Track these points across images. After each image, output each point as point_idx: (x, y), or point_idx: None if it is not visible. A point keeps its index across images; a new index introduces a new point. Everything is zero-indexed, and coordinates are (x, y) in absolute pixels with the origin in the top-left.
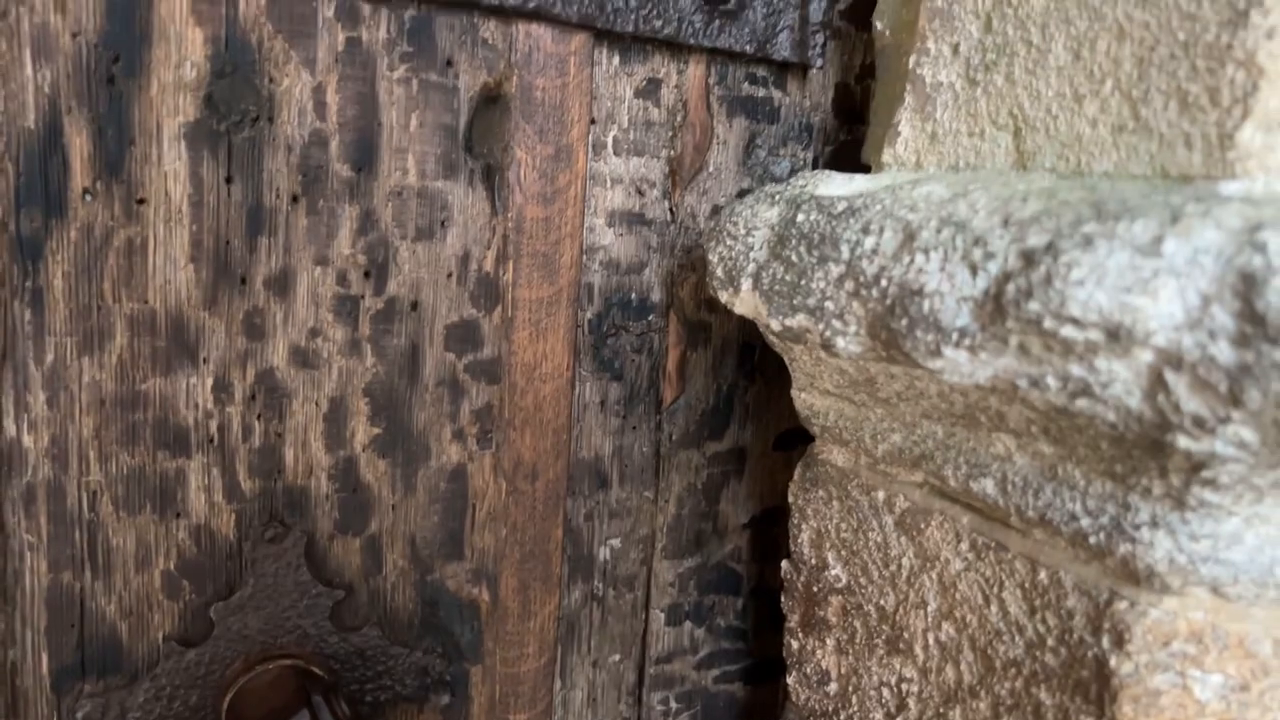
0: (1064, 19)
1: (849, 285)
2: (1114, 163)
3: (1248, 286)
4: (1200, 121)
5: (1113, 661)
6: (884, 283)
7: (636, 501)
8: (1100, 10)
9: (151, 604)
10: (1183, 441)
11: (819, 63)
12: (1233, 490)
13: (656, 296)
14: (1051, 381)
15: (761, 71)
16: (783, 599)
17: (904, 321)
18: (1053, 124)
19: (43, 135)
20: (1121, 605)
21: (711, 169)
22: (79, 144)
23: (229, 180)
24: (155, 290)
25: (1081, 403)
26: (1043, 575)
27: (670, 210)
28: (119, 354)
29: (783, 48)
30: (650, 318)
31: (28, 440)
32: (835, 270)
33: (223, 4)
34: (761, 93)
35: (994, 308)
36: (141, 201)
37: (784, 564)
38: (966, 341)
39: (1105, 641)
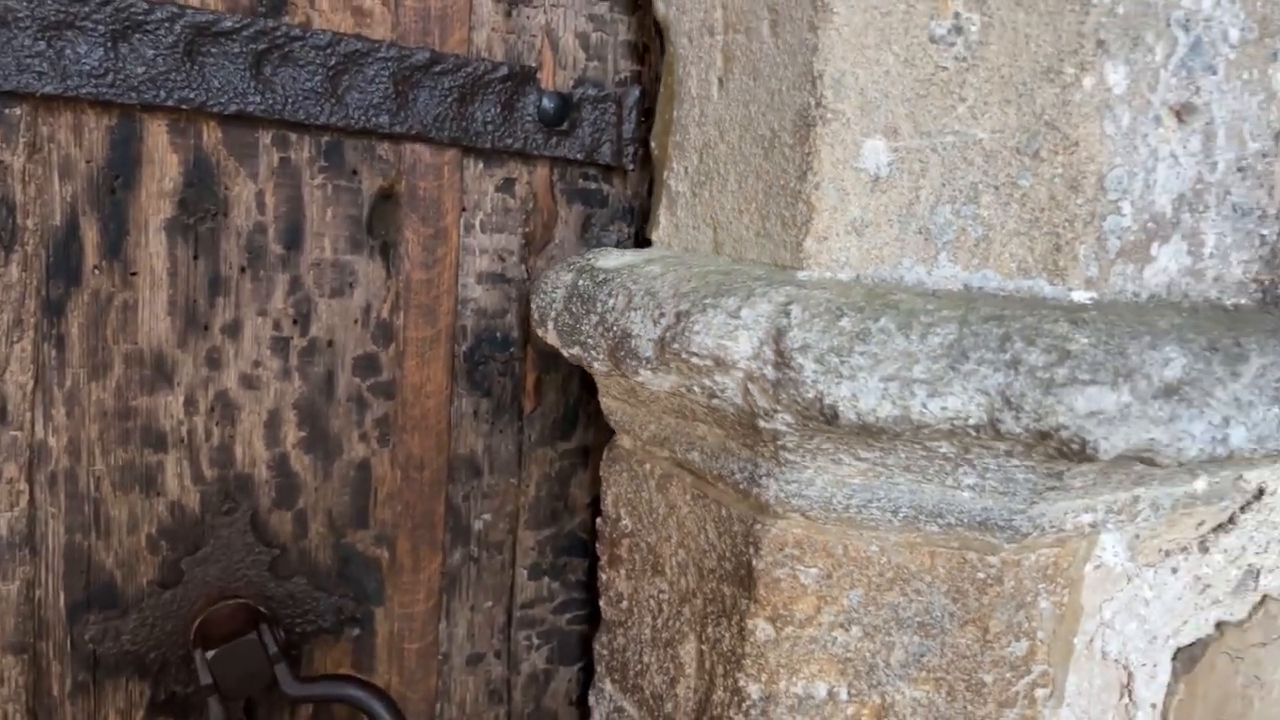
0: (735, 162)
1: (600, 328)
2: (756, 254)
3: (778, 335)
4: (789, 234)
5: (754, 562)
6: (615, 328)
7: (504, 486)
8: (750, 160)
9: (139, 558)
10: (762, 423)
11: (631, 166)
12: (798, 452)
13: (516, 334)
14: (696, 390)
15: (592, 171)
16: (597, 546)
17: (622, 353)
18: (730, 227)
19: (65, 229)
20: (757, 527)
21: (558, 240)
22: (91, 235)
23: (195, 257)
24: (143, 335)
25: (715, 401)
26: (724, 510)
27: (527, 271)
28: (117, 380)
29: (605, 156)
30: (512, 349)
31: (51, 441)
32: (594, 319)
33: (191, 137)
34: (593, 186)
35: (662, 345)
36: (133, 274)
37: (597, 520)
38: (650, 365)
39: (750, 549)
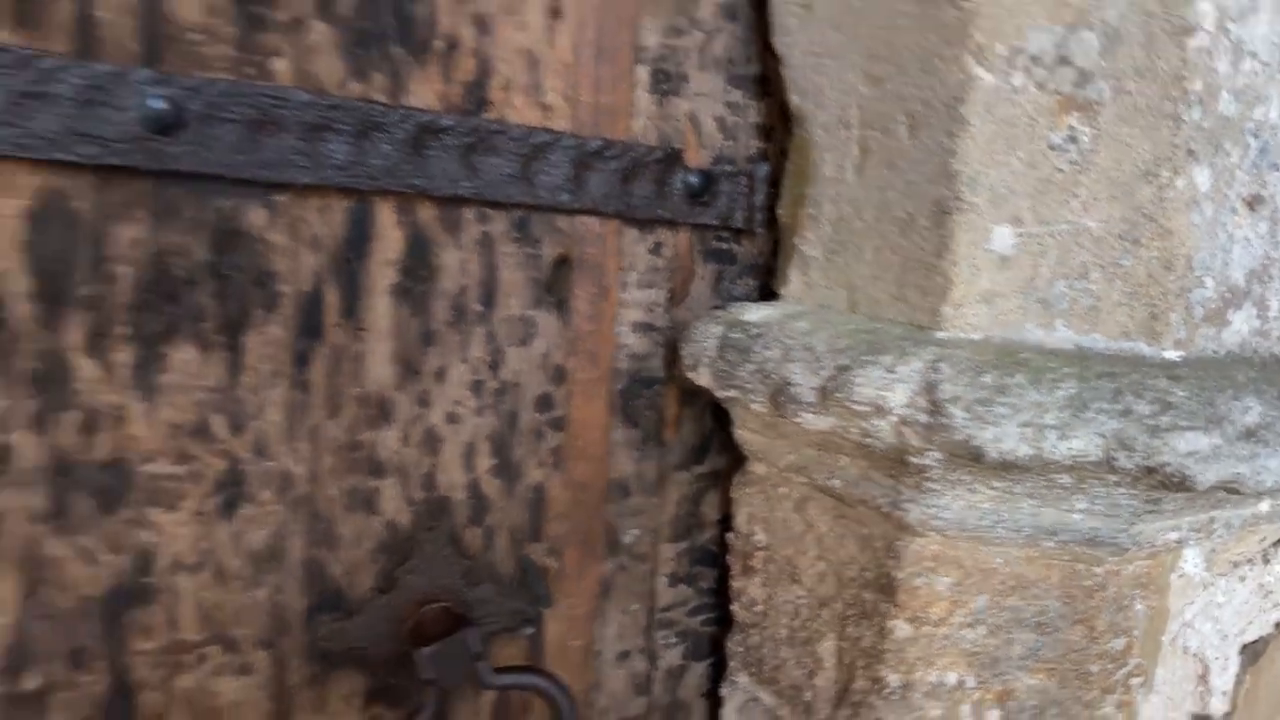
0: (870, 236)
1: (758, 376)
2: (892, 315)
3: (930, 388)
4: (927, 300)
5: (895, 572)
6: (774, 376)
7: (648, 505)
8: (887, 236)
9: (361, 568)
10: (912, 459)
11: (760, 230)
12: (940, 482)
13: (661, 374)
14: (853, 430)
15: (725, 234)
16: (728, 558)
17: (783, 398)
18: (865, 289)
19: (312, 294)
20: (899, 543)
21: (694, 294)
22: (331, 298)
23: (412, 315)
24: (370, 380)
25: (869, 440)
26: (865, 529)
27: (670, 320)
28: (348, 419)
29: (737, 221)
30: (656, 387)
31: (297, 470)
32: (750, 367)
33: (412, 215)
34: (725, 246)
35: (824, 393)
36: (363, 330)
37: (727, 535)
38: (812, 409)
39: (891, 562)
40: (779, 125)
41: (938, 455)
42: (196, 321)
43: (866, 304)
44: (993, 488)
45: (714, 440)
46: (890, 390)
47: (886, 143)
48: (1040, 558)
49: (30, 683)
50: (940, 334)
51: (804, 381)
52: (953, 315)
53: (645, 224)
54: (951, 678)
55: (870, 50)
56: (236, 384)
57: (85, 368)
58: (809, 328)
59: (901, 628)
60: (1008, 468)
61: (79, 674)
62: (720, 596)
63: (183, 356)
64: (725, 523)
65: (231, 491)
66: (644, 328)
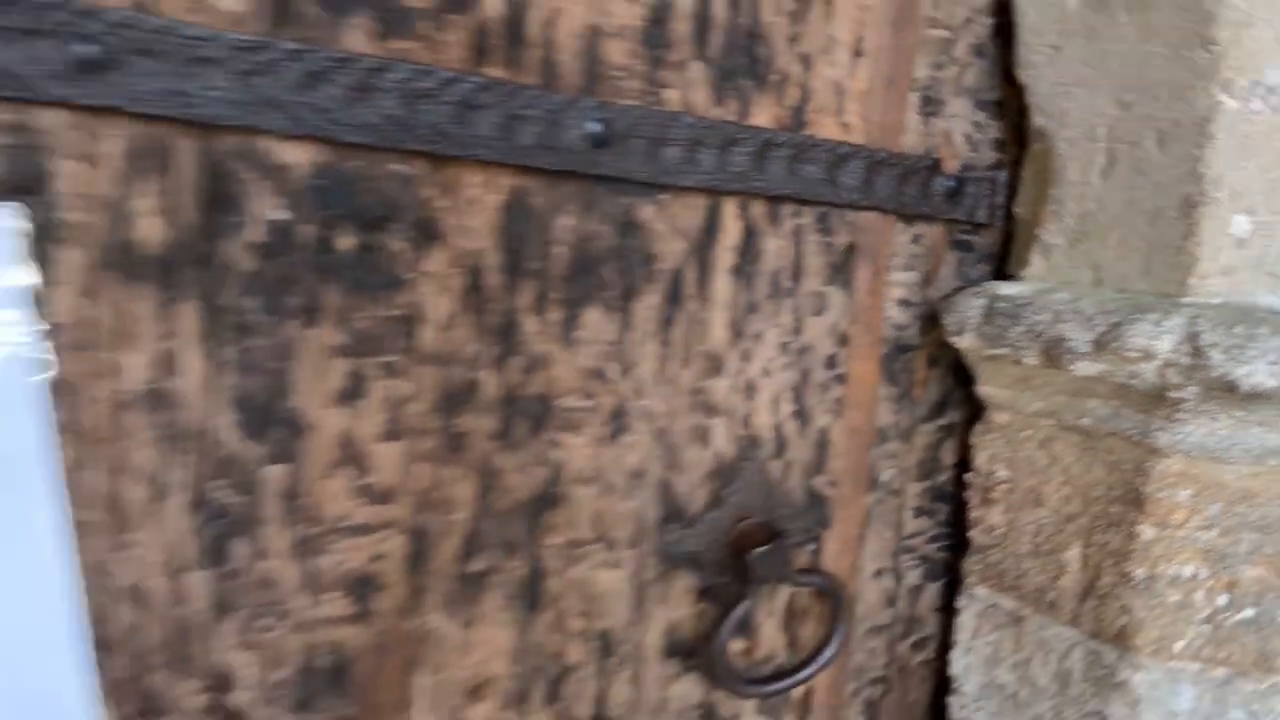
0: (1115, 226)
1: (1029, 335)
2: (1140, 288)
3: (1193, 337)
4: (1174, 274)
5: (1142, 488)
6: (1046, 334)
7: (900, 450)
8: (1134, 225)
9: (697, 489)
10: (1172, 394)
11: (998, 223)
12: (1190, 413)
13: (915, 342)
14: (1119, 374)
15: (968, 227)
16: (968, 494)
17: (1058, 351)
18: (1110, 268)
19: (677, 270)
20: (1147, 464)
21: (941, 277)
22: (690, 275)
23: (741, 291)
24: (711, 340)
25: (1133, 381)
26: (1113, 456)
27: (922, 298)
28: (695, 370)
29: (980, 217)
30: (909, 353)
31: (659, 407)
32: (1020, 328)
33: (748, 210)
34: (967, 238)
35: (1098, 345)
36: (709, 300)
37: (967, 475)
38: (1087, 358)
39: (1139, 479)
40: (1011, 140)
41: (1195, 390)
42: (603, 290)
43: (1112, 280)
44: (1232, 416)
45: (953, 398)
46: (1158, 339)
47: (1134, 153)
48: (1265, 473)
49: (477, 565)
50: (1186, 300)
51: (1079, 336)
52: (1197, 285)
53: (910, 219)
54: (1188, 570)
55: (1120, 81)
56: (625, 339)
57: (529, 323)
58: (1070, 297)
59: (1147, 531)
60: (1253, 398)
61: (509, 560)
62: (953, 528)
63: (592, 317)
64: (959, 466)
65: (618, 423)
66: (904, 303)
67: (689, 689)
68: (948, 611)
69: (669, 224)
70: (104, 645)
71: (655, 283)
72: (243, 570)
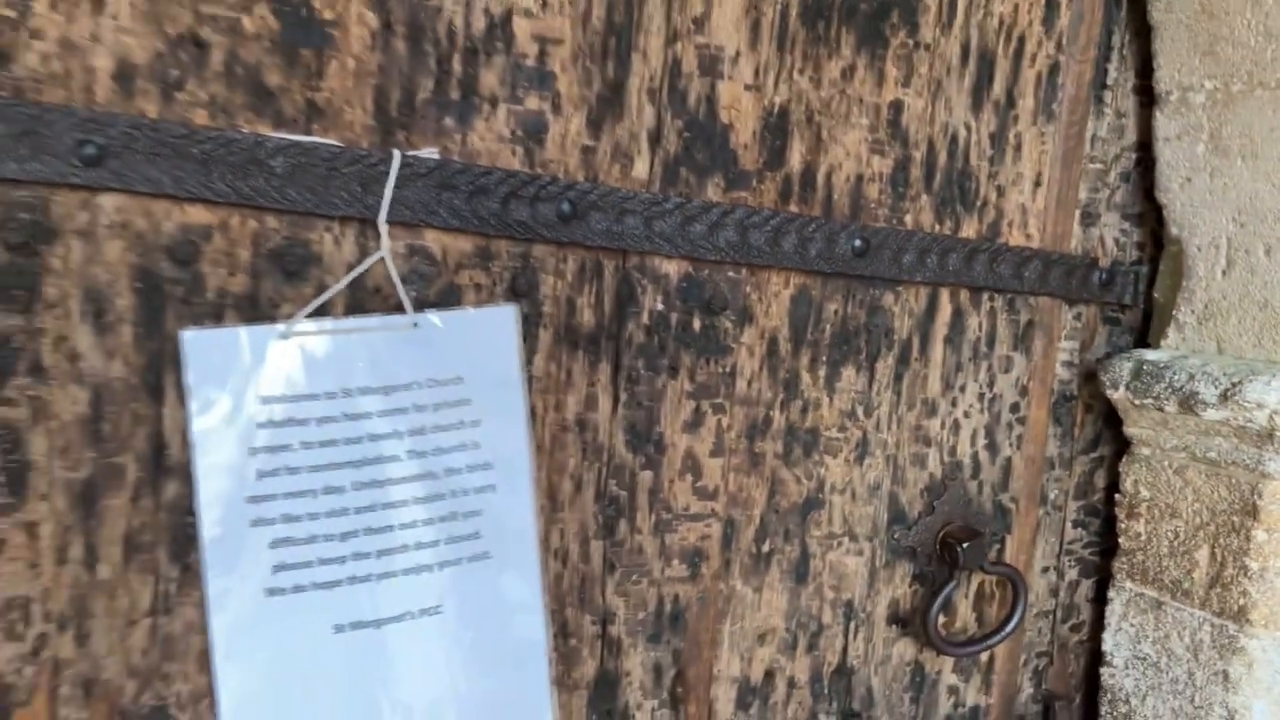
0: (1234, 309)
1: (1169, 389)
2: (1253, 355)
3: None
4: (1279, 346)
5: (1257, 501)
6: (1183, 389)
7: (1062, 475)
8: (1247, 310)
9: (916, 499)
10: (1278, 433)
11: (1139, 305)
12: None
13: (1074, 392)
14: (1237, 419)
15: (1115, 307)
16: (1115, 509)
17: (1192, 402)
18: (1230, 341)
19: (905, 340)
20: (1261, 484)
21: (1095, 345)
22: (914, 343)
23: (953, 354)
24: (929, 391)
25: (1249, 424)
26: (1234, 479)
27: (1080, 360)
28: (916, 412)
29: (1126, 299)
30: (1072, 401)
31: (889, 439)
32: (1162, 384)
33: (957, 298)
34: (1115, 315)
35: (1224, 396)
36: (927, 361)
37: (1116, 495)
38: (1214, 408)
39: (1255, 496)
40: (1149, 242)
41: None
42: (857, 354)
43: (1232, 350)
44: None
45: (1104, 436)
46: (1268, 394)
47: (1248, 259)
48: None
49: (766, 547)
50: None
51: (1208, 391)
52: None
53: (1074, 301)
54: None
55: (1237, 207)
56: (870, 390)
57: (806, 377)
58: (1200, 362)
59: (1260, 534)
60: None
61: (787, 545)
62: (1101, 538)
63: (848, 373)
64: (1108, 489)
65: (862, 449)
66: (1067, 364)
67: (905, 648)
68: (1098, 602)
69: (903, 307)
70: (544, 588)
71: (892, 349)
72: (624, 541)
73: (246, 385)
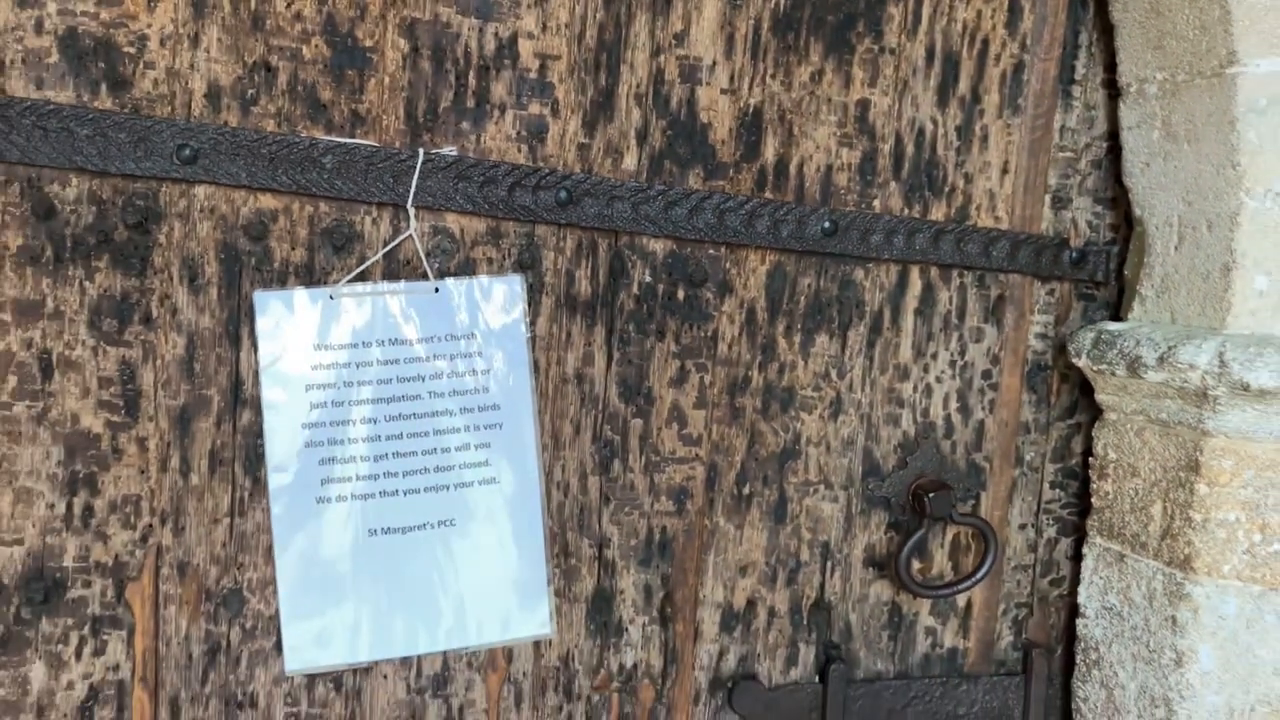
0: (1183, 283)
1: (1119, 355)
2: (1198, 324)
3: (1220, 355)
4: (1217, 315)
5: (1199, 457)
6: (1129, 354)
7: (1039, 439)
8: (1193, 282)
9: (889, 455)
10: (1210, 393)
11: (1111, 283)
12: (1225, 406)
13: (1049, 363)
14: (1175, 380)
15: (1090, 285)
16: (1090, 472)
17: (1136, 365)
18: (1181, 312)
19: (877, 311)
20: (1202, 441)
21: (1070, 319)
22: (886, 314)
23: (923, 324)
24: (901, 357)
25: (1184, 385)
26: (1179, 438)
27: (1055, 333)
28: (889, 376)
29: (1098, 277)
30: (1047, 370)
31: (863, 399)
32: (1114, 351)
33: (927, 273)
34: (1089, 291)
35: (1161, 360)
36: (898, 330)
37: (1089, 458)
38: (1152, 369)
39: (1197, 453)
40: (1122, 224)
41: (1223, 390)
42: (829, 323)
43: (1182, 319)
44: (1255, 409)
45: (1079, 404)
46: (1198, 356)
47: (1194, 235)
48: None
49: (746, 490)
50: (1225, 332)
51: (1149, 354)
52: (1231, 322)
53: (1046, 279)
54: (1232, 516)
55: (1185, 187)
56: (842, 354)
57: (782, 342)
58: (1148, 331)
59: (1202, 488)
60: (1263, 395)
61: (765, 489)
62: (1079, 499)
63: (822, 339)
64: (1085, 454)
65: (836, 408)
66: (1041, 336)
67: (882, 589)
68: (1077, 559)
69: (874, 282)
70: (547, 515)
71: (863, 319)
72: (618, 478)
73: (303, 335)
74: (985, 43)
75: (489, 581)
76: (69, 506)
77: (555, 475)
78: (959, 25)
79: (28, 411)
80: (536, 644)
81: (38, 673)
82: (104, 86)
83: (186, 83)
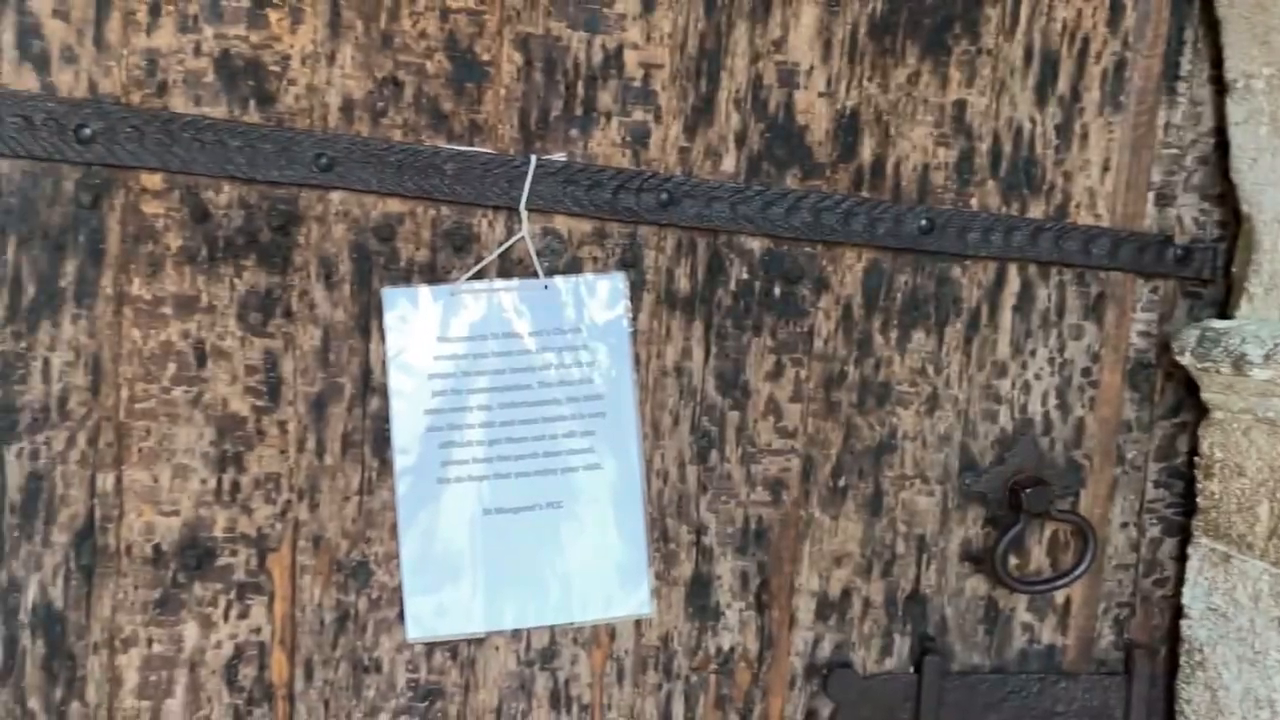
0: None
1: (1224, 352)
2: None
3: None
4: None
5: None
6: (1235, 352)
7: (1141, 438)
8: None
9: (986, 451)
10: None
11: (1220, 279)
12: None
13: (1153, 362)
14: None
15: (1196, 283)
16: (1195, 472)
17: (1243, 363)
18: None
19: (974, 308)
20: None
21: (1176, 316)
22: (984, 311)
23: (1022, 321)
24: (998, 354)
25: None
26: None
27: (1159, 331)
28: (986, 372)
29: (1204, 274)
30: (1150, 369)
31: (960, 395)
32: (1219, 350)
33: (1025, 270)
34: (1195, 289)
35: (1267, 357)
36: (996, 328)
37: (1195, 458)
38: (1259, 367)
39: None
40: (1230, 221)
41: None
42: (926, 319)
43: None
44: None
45: (1184, 403)
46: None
47: None
48: None
49: (841, 482)
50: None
51: (1255, 352)
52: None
53: (1149, 276)
54: None
55: None
56: (939, 350)
57: (879, 338)
58: (1254, 329)
59: None
60: None
61: (861, 482)
62: (1183, 498)
63: (918, 336)
64: (1190, 453)
65: (933, 403)
66: (1144, 334)
67: (978, 584)
68: (1181, 560)
69: (971, 279)
70: (647, 501)
71: (960, 315)
72: (715, 468)
73: (426, 329)
74: (1086, 41)
75: (592, 561)
76: (219, 482)
77: (655, 463)
78: (1058, 24)
79: (184, 396)
80: (637, 623)
81: (191, 631)
82: (252, 102)
83: (323, 97)
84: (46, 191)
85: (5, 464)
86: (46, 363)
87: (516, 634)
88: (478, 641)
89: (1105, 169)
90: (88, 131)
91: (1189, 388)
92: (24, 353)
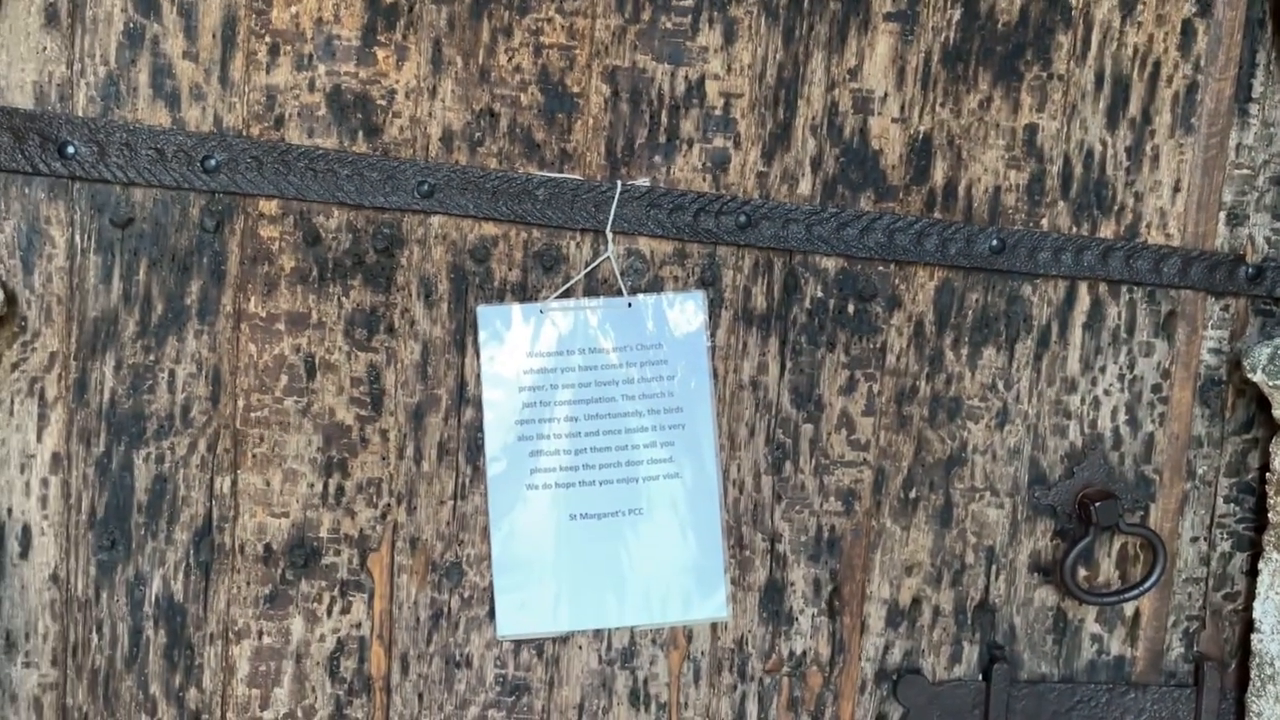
0: None
1: None
2: None
3: None
4: None
5: None
6: None
7: (1212, 453)
8: None
9: (1055, 464)
10: None
11: None
12: None
13: (1223, 379)
14: None
15: (1268, 301)
16: (1266, 488)
17: None
18: None
19: (1044, 325)
20: None
21: (1246, 335)
22: (1054, 329)
23: (1091, 339)
24: (1068, 370)
25: None
26: None
27: (1230, 349)
28: (1055, 389)
29: (1277, 292)
30: (1220, 386)
31: (1030, 410)
32: None
33: (1095, 289)
34: (1267, 308)
35: None
36: (1066, 344)
37: (1266, 473)
38: None
39: None
40: None
41: None
42: (997, 336)
43: None
44: None
45: (1255, 420)
46: None
47: None
48: None
49: (913, 494)
50: None
51: None
52: None
53: (1220, 295)
54: None
55: None
56: (1009, 367)
57: (950, 354)
58: None
59: None
60: None
61: (931, 494)
62: (1255, 514)
63: (989, 352)
64: (1262, 470)
65: (1003, 418)
66: (1215, 351)
67: (1046, 595)
68: (1253, 574)
69: (1041, 297)
70: (724, 509)
71: (1030, 333)
72: (789, 478)
73: (518, 344)
74: (1157, 65)
75: (671, 565)
76: (325, 486)
77: (731, 473)
78: (1129, 50)
79: (295, 405)
80: (714, 626)
81: (297, 626)
82: (360, 133)
83: (425, 128)
84: (175, 217)
85: (134, 467)
86: (172, 374)
87: (598, 634)
88: (562, 640)
89: (1176, 189)
90: (213, 162)
91: (1260, 404)
92: (152, 365)
